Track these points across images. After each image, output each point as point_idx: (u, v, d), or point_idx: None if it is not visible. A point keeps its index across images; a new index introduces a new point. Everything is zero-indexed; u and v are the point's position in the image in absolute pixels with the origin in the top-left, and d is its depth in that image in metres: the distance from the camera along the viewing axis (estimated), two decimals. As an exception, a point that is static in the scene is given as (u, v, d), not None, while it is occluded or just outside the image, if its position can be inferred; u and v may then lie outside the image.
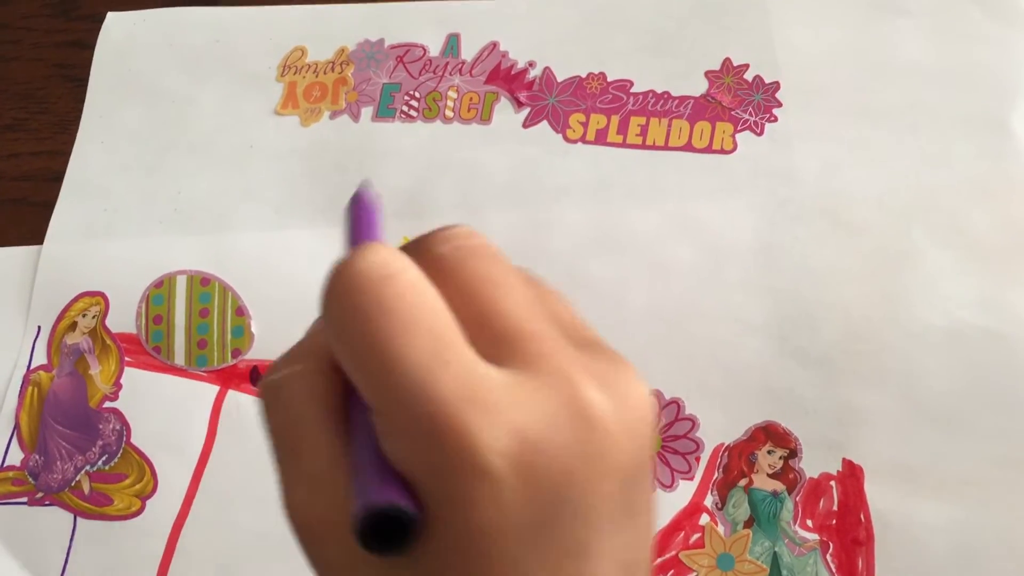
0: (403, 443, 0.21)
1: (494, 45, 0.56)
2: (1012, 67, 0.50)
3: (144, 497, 0.50)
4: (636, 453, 0.22)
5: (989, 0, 0.51)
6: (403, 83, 0.56)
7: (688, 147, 0.52)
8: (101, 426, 0.52)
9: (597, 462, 0.21)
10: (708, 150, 0.51)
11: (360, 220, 0.26)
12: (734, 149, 0.51)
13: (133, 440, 0.51)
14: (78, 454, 0.51)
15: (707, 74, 0.53)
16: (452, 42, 0.57)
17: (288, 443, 0.24)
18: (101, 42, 0.61)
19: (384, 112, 0.56)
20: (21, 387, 0.53)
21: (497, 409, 0.21)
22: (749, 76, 0.53)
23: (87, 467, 0.51)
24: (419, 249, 0.24)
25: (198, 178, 0.56)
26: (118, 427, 0.52)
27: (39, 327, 0.54)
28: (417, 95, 0.56)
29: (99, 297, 0.54)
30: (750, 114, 0.52)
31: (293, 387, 0.24)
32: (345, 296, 0.22)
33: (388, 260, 0.22)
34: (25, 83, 0.61)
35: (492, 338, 0.22)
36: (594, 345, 0.24)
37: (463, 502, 0.21)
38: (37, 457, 0.52)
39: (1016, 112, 0.49)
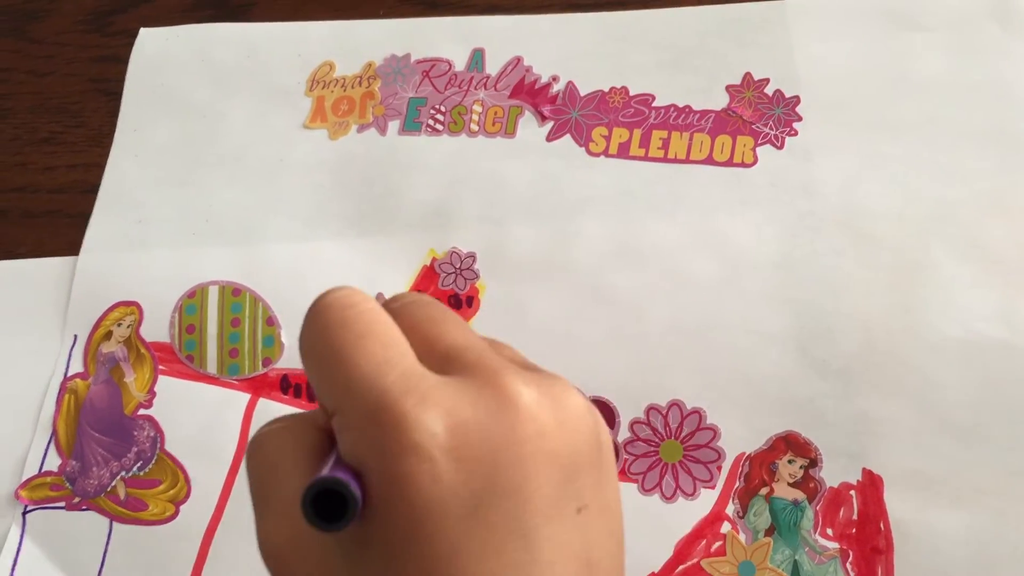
0: (354, 432, 0.24)
1: (518, 60, 0.57)
2: (1029, 82, 0.50)
3: (178, 502, 0.51)
4: (572, 445, 0.25)
5: (1007, 15, 0.52)
6: (429, 97, 0.57)
7: (709, 160, 0.52)
8: (136, 433, 0.53)
9: (527, 445, 0.24)
10: (729, 163, 0.52)
11: None
12: (755, 162, 0.52)
13: (167, 447, 0.52)
14: (114, 460, 0.53)
15: (728, 88, 0.54)
16: (477, 57, 0.58)
17: (263, 488, 0.27)
18: (134, 57, 0.63)
19: (410, 126, 0.57)
20: (58, 395, 0.54)
21: (433, 400, 0.24)
22: (770, 90, 0.53)
23: (122, 473, 0.53)
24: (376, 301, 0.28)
25: (229, 191, 0.57)
26: (152, 434, 0.53)
27: (75, 336, 0.56)
28: (443, 109, 0.57)
29: (134, 307, 0.56)
30: (770, 128, 0.52)
31: (273, 440, 0.28)
32: (313, 319, 0.26)
33: (351, 294, 0.27)
34: (61, 97, 0.63)
35: (436, 359, 0.26)
36: (532, 366, 0.28)
37: (403, 479, 0.23)
38: (74, 463, 0.53)
39: (1034, 127, 0.49)
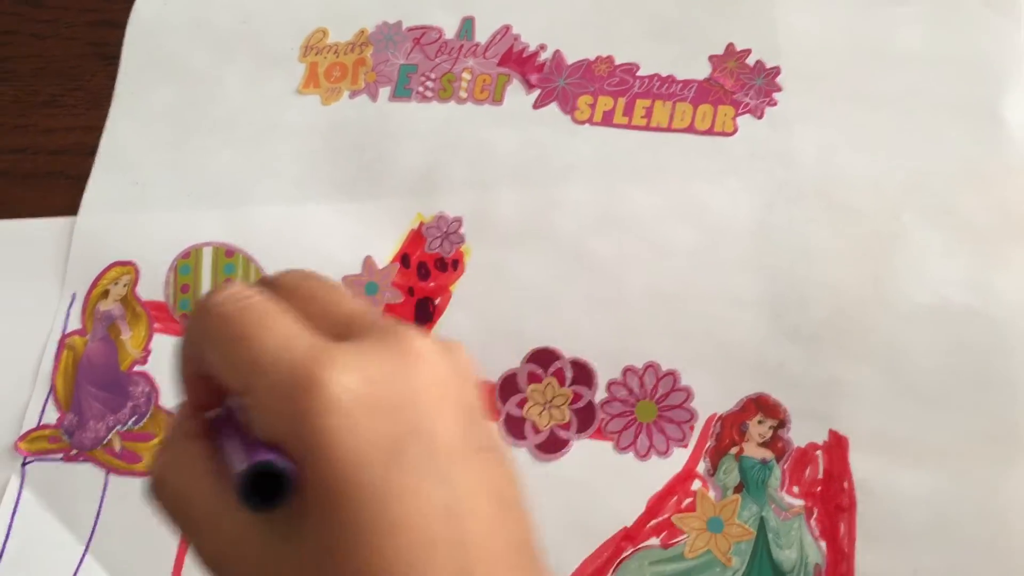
0: (269, 409, 0.26)
1: (507, 28, 0.58)
2: (1006, 56, 0.51)
3: (171, 455, 0.53)
4: (466, 390, 0.27)
5: (988, -11, 0.52)
6: (419, 64, 0.59)
7: (691, 129, 0.54)
8: (131, 388, 0.55)
9: (432, 391, 0.26)
10: (710, 132, 0.53)
11: None
12: (735, 132, 0.53)
13: (161, 402, 0.54)
14: (110, 414, 0.55)
15: (711, 58, 0.55)
16: (467, 25, 0.59)
17: (183, 518, 0.28)
18: (132, 21, 0.64)
19: (401, 92, 0.58)
20: (57, 351, 0.56)
21: (341, 361, 0.26)
22: (751, 61, 0.54)
23: (118, 426, 0.55)
24: (266, 282, 0.30)
25: (224, 154, 0.59)
26: (147, 389, 0.55)
27: (74, 294, 0.57)
28: (433, 76, 0.58)
29: (130, 267, 0.57)
30: (751, 98, 0.53)
31: (170, 473, 0.29)
32: (206, 316, 0.28)
33: (241, 289, 0.28)
34: (60, 61, 0.64)
35: (332, 326, 0.28)
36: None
37: (324, 438, 0.25)
38: (72, 416, 0.55)
39: (1008, 100, 0.50)
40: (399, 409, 0.26)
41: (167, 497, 0.29)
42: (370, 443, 0.25)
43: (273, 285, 0.29)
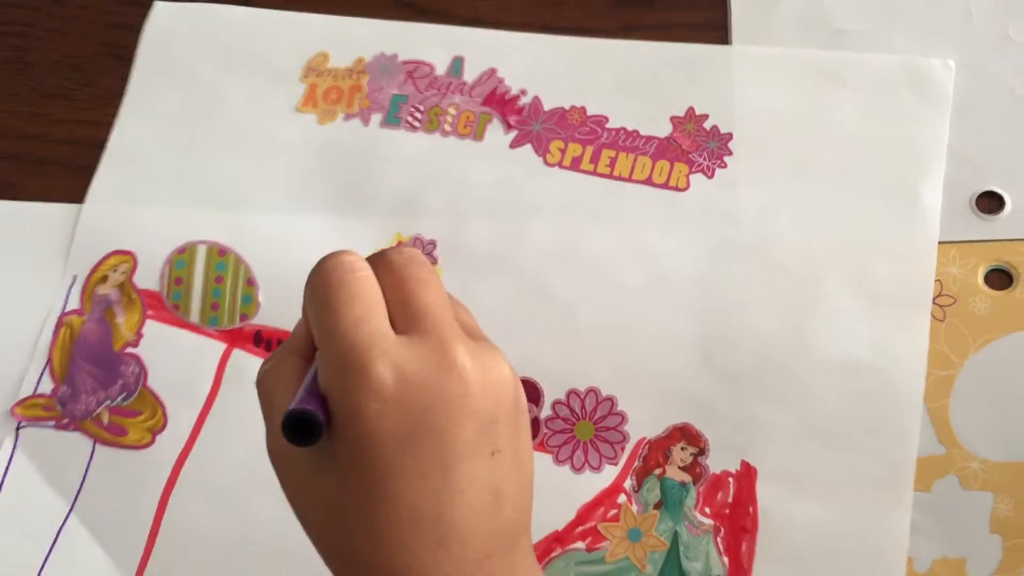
0: (328, 369, 0.33)
1: (493, 71, 0.64)
2: (929, 143, 0.57)
3: (155, 432, 0.59)
4: (492, 406, 0.33)
5: (920, 83, 0.59)
6: (410, 96, 0.64)
7: (648, 181, 0.60)
8: (123, 368, 0.60)
9: (454, 401, 0.32)
10: (665, 186, 0.60)
11: None
12: (687, 188, 0.59)
13: (149, 383, 0.60)
14: (101, 389, 0.60)
15: (672, 119, 0.61)
16: (457, 64, 0.65)
17: (266, 409, 0.36)
18: (148, 28, 0.69)
19: (391, 120, 0.64)
20: (55, 327, 0.61)
21: (390, 355, 0.32)
22: (708, 125, 0.61)
23: (108, 401, 0.60)
24: (379, 255, 0.36)
25: (224, 161, 0.64)
26: (137, 370, 0.60)
27: (75, 276, 0.62)
28: (421, 108, 0.64)
29: (129, 256, 0.63)
30: (704, 158, 0.60)
31: (270, 373, 0.37)
32: (322, 273, 0.34)
33: (352, 259, 0.35)
34: (75, 56, 0.69)
35: (405, 316, 0.34)
36: (478, 335, 0.36)
37: (357, 412, 0.32)
38: (65, 388, 0.60)
39: (926, 182, 0.57)
40: (421, 409, 0.32)
41: (261, 390, 0.37)
42: (393, 429, 0.32)
43: (381, 260, 0.35)
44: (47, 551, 0.57)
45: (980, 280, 0.55)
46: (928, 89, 0.59)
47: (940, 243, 0.56)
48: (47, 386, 0.60)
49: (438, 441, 0.32)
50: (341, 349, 0.32)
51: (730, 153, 0.60)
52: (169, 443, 0.58)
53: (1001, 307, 0.54)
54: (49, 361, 0.61)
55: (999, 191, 0.56)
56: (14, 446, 0.59)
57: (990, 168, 0.57)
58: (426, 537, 0.32)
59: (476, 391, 0.33)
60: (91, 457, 0.58)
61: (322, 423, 0.32)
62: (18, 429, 0.60)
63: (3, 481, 0.59)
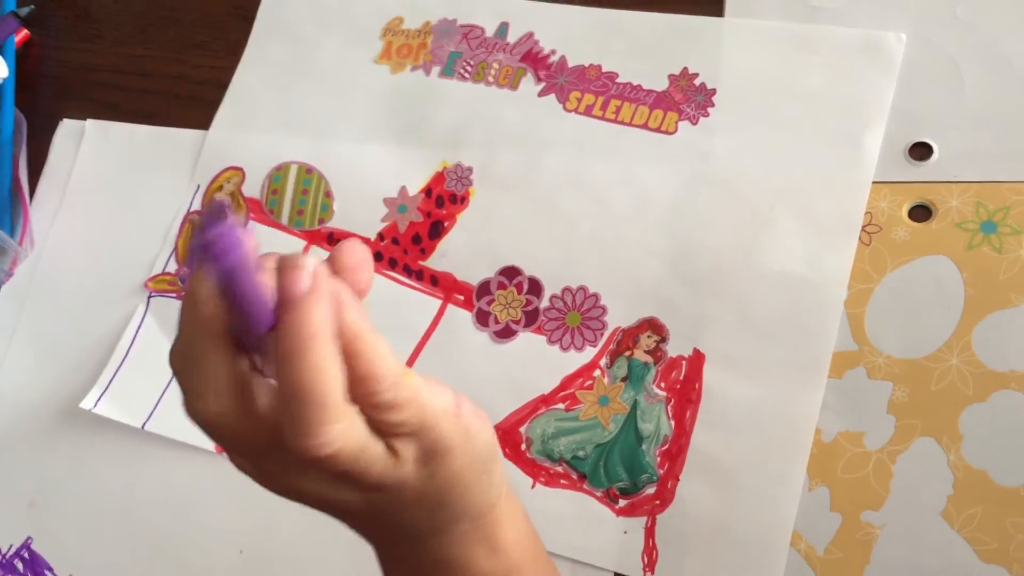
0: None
1: (531, 34, 0.79)
2: (876, 102, 0.68)
3: (249, 304, 0.76)
4: (481, 454, 0.42)
5: (874, 53, 0.70)
6: (464, 53, 0.80)
7: (644, 126, 0.73)
8: (229, 255, 0.78)
9: (469, 455, 0.41)
10: (657, 130, 0.73)
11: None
12: (675, 132, 0.73)
13: (247, 267, 0.77)
14: (212, 271, 0.78)
15: (669, 76, 0.74)
16: (503, 28, 0.80)
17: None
18: (266, -6, 0.87)
19: (447, 72, 0.79)
20: (181, 223, 0.80)
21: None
22: (697, 82, 0.74)
23: (216, 280, 0.78)
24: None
25: (314, 99, 0.81)
26: (239, 258, 0.78)
27: (199, 185, 0.81)
28: (471, 63, 0.79)
29: (239, 171, 0.81)
30: (692, 109, 0.73)
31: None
32: (307, 323, 0.35)
33: (316, 332, 0.35)
34: (212, 15, 0.87)
35: (374, 409, 0.38)
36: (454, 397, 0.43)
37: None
38: (186, 270, 0.79)
39: (869, 134, 0.68)
40: (453, 465, 0.40)
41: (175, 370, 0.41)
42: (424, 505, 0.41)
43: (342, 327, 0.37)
44: (164, 388, 0.75)
45: (904, 214, 0.66)
46: (880, 57, 0.70)
47: (875, 183, 0.67)
48: (172, 267, 0.79)
49: (458, 479, 0.41)
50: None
51: (713, 105, 0.73)
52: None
53: (918, 236, 0.65)
54: (175, 248, 0.79)
55: (930, 141, 0.67)
56: (145, 311, 0.78)
57: (925, 123, 0.68)
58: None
59: (479, 445, 0.42)
60: (201, 320, 0.76)
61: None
62: (149, 298, 0.78)
63: (136, 336, 0.77)
